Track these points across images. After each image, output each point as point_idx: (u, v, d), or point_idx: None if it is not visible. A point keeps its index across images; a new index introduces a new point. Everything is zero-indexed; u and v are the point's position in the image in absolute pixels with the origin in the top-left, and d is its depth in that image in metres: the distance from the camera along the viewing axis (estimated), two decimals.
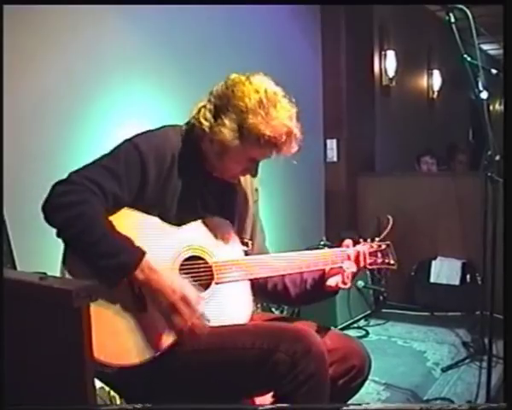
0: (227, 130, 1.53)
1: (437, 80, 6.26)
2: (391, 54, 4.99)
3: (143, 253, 1.44)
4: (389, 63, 4.99)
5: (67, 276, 1.44)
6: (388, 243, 1.86)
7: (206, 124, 1.57)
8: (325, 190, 4.51)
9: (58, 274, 1.45)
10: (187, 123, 1.67)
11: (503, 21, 1.70)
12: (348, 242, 1.78)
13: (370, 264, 1.80)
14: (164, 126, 1.65)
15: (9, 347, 1.28)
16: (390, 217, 1.83)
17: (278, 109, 1.52)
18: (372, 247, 1.82)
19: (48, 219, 1.45)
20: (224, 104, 1.55)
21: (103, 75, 2.73)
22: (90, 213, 1.42)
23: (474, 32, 2.23)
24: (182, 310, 1.45)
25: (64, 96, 2.57)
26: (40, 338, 1.27)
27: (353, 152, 4.47)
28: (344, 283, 1.70)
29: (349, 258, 1.75)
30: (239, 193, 1.75)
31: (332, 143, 4.42)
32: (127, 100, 2.84)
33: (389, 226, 1.84)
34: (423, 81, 6.15)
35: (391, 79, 5.05)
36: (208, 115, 1.57)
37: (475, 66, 2.33)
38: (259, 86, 1.54)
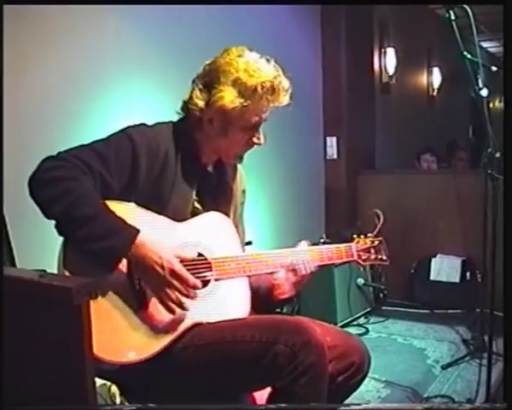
0: (225, 93, 1.56)
1: (437, 78, 6.26)
2: (391, 51, 4.98)
3: (138, 231, 1.43)
4: (389, 61, 4.98)
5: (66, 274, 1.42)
6: (381, 239, 1.86)
7: (201, 103, 1.59)
8: (325, 188, 4.50)
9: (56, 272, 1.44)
10: (179, 120, 1.68)
11: (503, 21, 1.70)
12: (303, 242, 1.75)
13: (364, 260, 1.82)
14: (158, 123, 1.66)
15: (9, 345, 1.27)
16: (380, 212, 1.84)
17: (262, 63, 1.60)
18: (366, 243, 1.83)
19: (34, 195, 1.42)
20: (213, 77, 1.59)
21: (104, 74, 2.72)
22: (79, 190, 1.40)
23: (474, 29, 2.23)
24: (172, 284, 1.44)
25: (64, 95, 2.56)
26: (40, 336, 1.27)
27: (353, 149, 4.46)
28: (290, 291, 1.69)
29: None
30: (231, 191, 1.76)
31: (332, 141, 4.41)
32: (127, 99, 2.83)
33: (380, 223, 1.84)
34: (423, 78, 6.14)
35: (391, 77, 5.04)
36: (200, 94, 1.60)
37: (475, 63, 2.33)
38: (239, 52, 1.62)
